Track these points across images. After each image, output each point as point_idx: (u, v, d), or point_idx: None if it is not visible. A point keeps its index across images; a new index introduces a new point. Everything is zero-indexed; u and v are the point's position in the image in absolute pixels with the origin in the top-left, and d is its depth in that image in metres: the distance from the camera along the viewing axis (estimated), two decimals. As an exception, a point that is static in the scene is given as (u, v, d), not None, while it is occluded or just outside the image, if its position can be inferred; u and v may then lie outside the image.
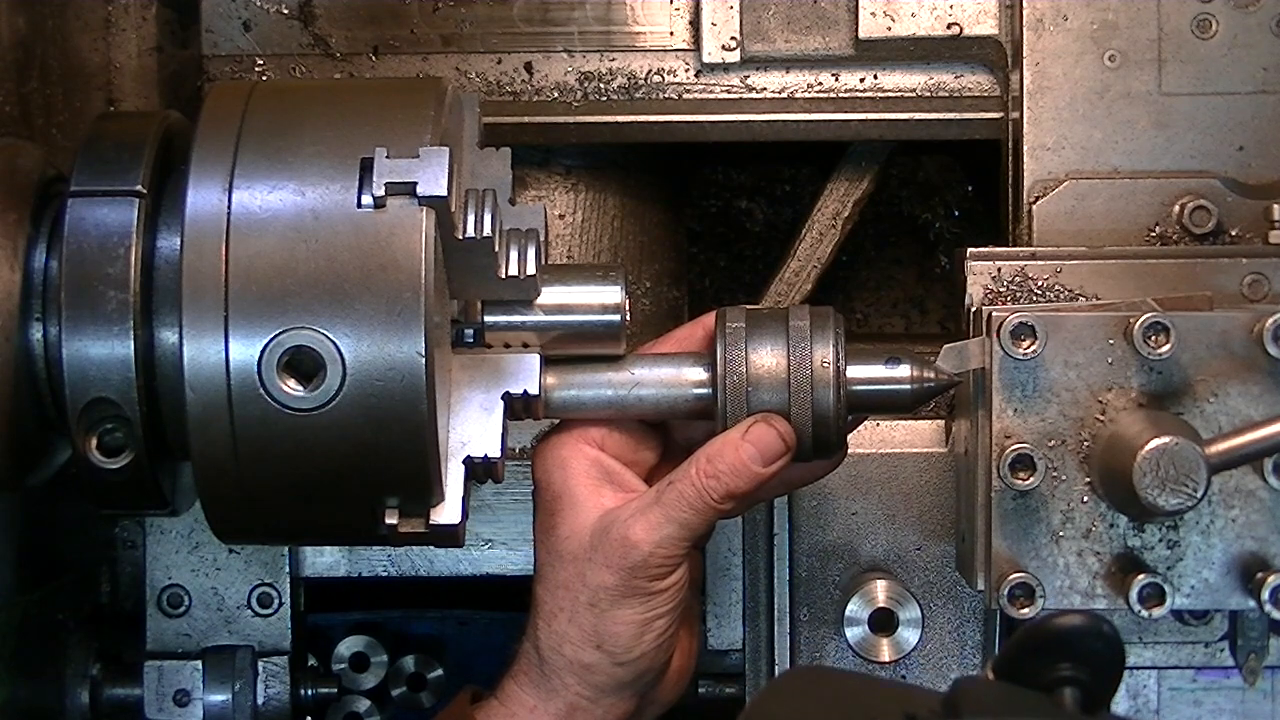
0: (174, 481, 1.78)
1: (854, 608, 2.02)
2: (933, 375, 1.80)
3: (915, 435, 2.05)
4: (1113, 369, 1.77)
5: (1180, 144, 1.99)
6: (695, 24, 2.10)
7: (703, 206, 2.55)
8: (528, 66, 2.12)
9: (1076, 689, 1.40)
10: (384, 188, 1.61)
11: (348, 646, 2.32)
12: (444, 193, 1.60)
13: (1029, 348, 1.77)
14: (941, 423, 2.05)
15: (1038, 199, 1.99)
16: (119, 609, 2.23)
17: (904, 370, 1.80)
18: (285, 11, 2.12)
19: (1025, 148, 2.00)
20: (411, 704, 2.37)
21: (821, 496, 2.04)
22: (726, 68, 2.11)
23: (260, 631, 2.18)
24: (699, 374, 1.81)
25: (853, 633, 2.02)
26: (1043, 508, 1.78)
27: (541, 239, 1.75)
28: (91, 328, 1.66)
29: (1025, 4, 2.00)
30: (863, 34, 2.07)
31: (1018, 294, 1.90)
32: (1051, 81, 2.00)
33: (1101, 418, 1.78)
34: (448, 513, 1.70)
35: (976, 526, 1.82)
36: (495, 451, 1.73)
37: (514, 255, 1.72)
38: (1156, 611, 1.73)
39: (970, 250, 1.92)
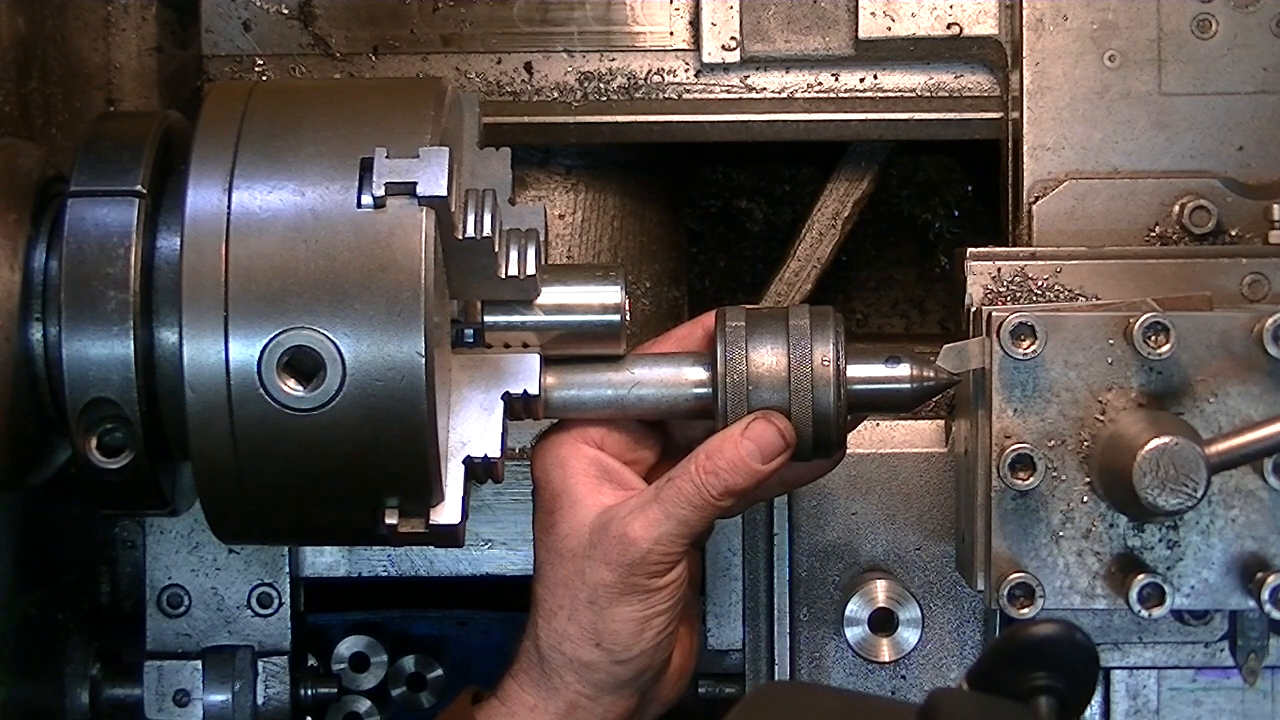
0: (174, 481, 1.78)
1: (854, 608, 2.02)
2: (932, 374, 1.80)
3: (915, 435, 2.05)
4: (1113, 369, 1.77)
5: (1180, 144, 1.99)
6: (695, 24, 2.10)
7: (703, 206, 2.55)
8: (528, 66, 2.12)
9: (1052, 698, 1.40)
10: (384, 188, 1.61)
11: (348, 646, 2.32)
12: (444, 193, 1.60)
13: (1029, 348, 1.77)
14: (941, 423, 2.05)
15: (1038, 199, 1.99)
16: (119, 609, 2.24)
17: (904, 369, 1.80)
18: (285, 11, 2.12)
19: (1025, 148, 2.00)
20: (411, 704, 2.37)
21: (821, 496, 2.04)
22: (726, 68, 2.11)
23: (260, 631, 2.18)
24: (699, 373, 1.81)
25: (853, 633, 2.02)
26: (1043, 508, 1.78)
27: (541, 239, 1.75)
28: (91, 328, 1.66)
29: (1025, 4, 2.00)
30: (863, 34, 2.07)
31: (1018, 294, 1.90)
32: (1051, 81, 2.00)
33: (1101, 418, 1.78)
34: (448, 513, 1.71)
35: (976, 526, 1.82)
36: (495, 451, 1.73)
37: (514, 255, 1.72)
38: (1156, 611, 1.73)
39: (970, 250, 1.92)
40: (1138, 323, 1.74)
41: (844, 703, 1.53)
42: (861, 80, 2.11)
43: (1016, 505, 1.79)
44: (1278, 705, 2.06)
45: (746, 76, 2.11)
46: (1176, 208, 1.97)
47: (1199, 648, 2.03)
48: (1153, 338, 1.74)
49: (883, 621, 2.02)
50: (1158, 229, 1.98)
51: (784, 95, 2.12)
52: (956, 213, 2.54)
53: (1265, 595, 1.74)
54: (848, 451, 1.86)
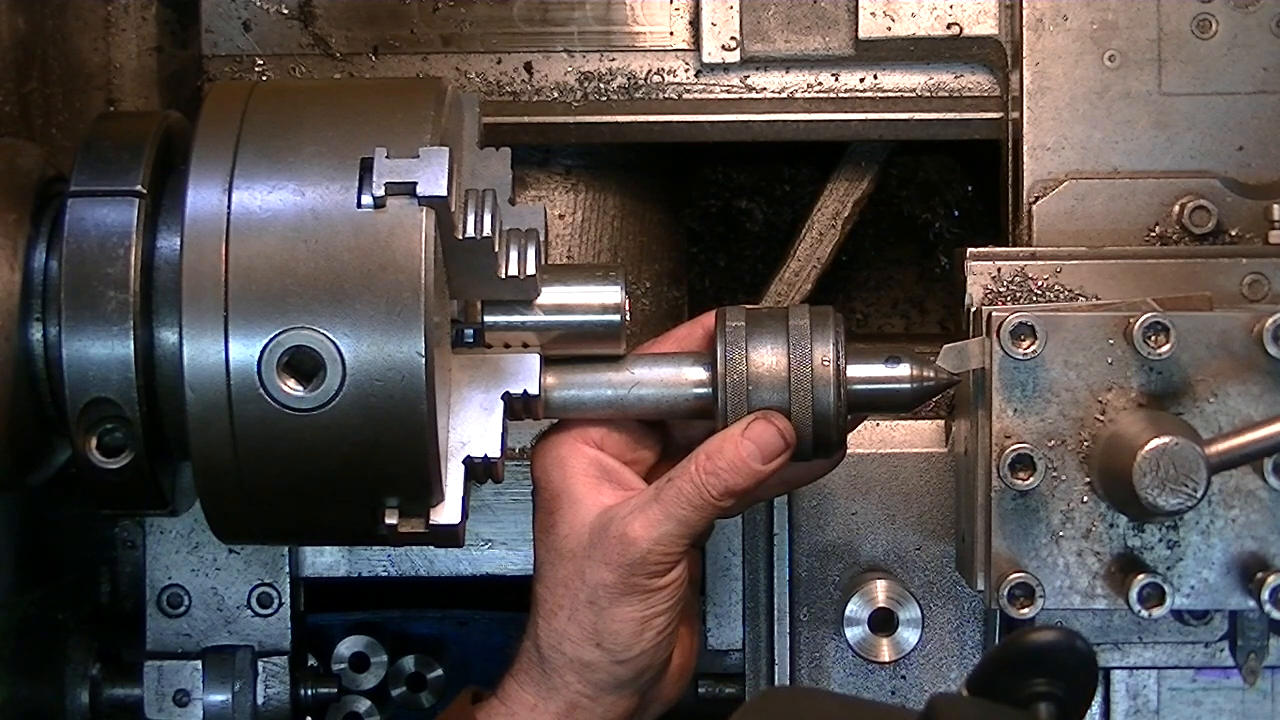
0: (174, 481, 1.78)
1: (854, 608, 2.02)
2: (932, 375, 1.80)
3: (915, 435, 2.05)
4: (1113, 369, 1.77)
5: (1180, 144, 1.99)
6: (695, 24, 2.10)
7: (703, 206, 2.55)
8: (528, 66, 2.12)
9: (1052, 704, 1.40)
10: (384, 188, 1.61)
11: (348, 646, 2.32)
12: (444, 193, 1.60)
13: (1029, 348, 1.77)
14: (941, 423, 2.05)
15: (1038, 199, 1.99)
16: (119, 609, 2.24)
17: (904, 370, 1.80)
18: (285, 11, 2.12)
19: (1025, 148, 2.00)
20: (411, 704, 2.37)
21: (821, 496, 2.04)
22: (726, 68, 2.11)
23: (260, 631, 2.18)
24: (699, 373, 1.81)
25: (852, 633, 2.02)
26: (1043, 508, 1.78)
27: (541, 239, 1.75)
28: (91, 328, 1.66)
29: (1025, 4, 2.00)
30: (863, 34, 2.07)
31: (1018, 294, 1.90)
32: (1051, 81, 2.00)
33: (1101, 418, 1.78)
34: (448, 513, 1.71)
35: (976, 526, 1.82)
36: (495, 451, 1.73)
37: (514, 255, 1.72)
38: (1156, 611, 1.73)
39: (970, 250, 1.92)
40: (1138, 323, 1.74)
41: (845, 707, 1.53)
42: (861, 80, 2.11)
43: (1016, 505, 1.79)
44: (1278, 705, 2.06)
45: (746, 76, 2.11)
46: (1176, 208, 1.97)
47: (1199, 648, 2.03)
48: (1153, 338, 1.74)
49: (883, 621, 2.02)
50: (1158, 229, 1.98)
51: (784, 95, 2.11)
52: (956, 213, 2.54)
53: (1265, 595, 1.74)
54: (848, 451, 1.86)
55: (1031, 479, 1.76)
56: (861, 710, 1.55)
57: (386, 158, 1.61)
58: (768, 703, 1.54)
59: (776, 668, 2.07)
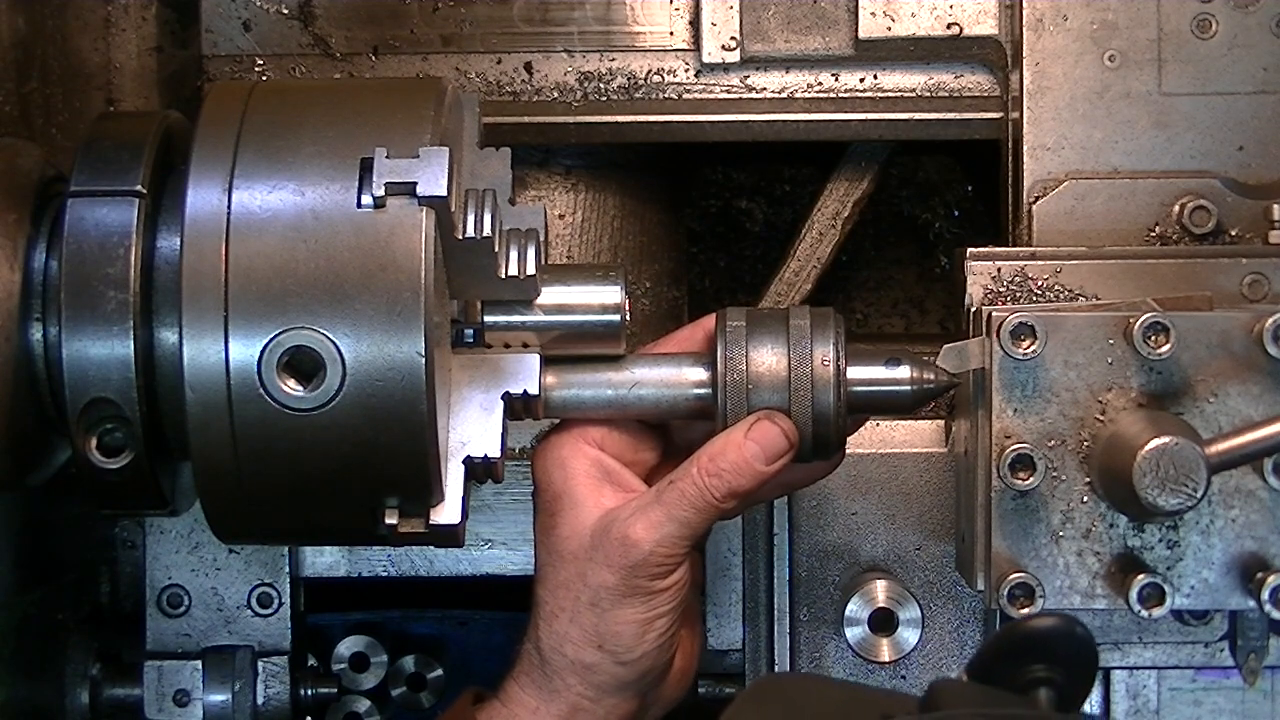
0: (174, 481, 1.78)
1: (854, 608, 2.02)
2: (932, 376, 1.80)
3: (915, 435, 2.05)
4: (1113, 369, 1.77)
5: (1180, 144, 1.99)
6: (695, 24, 2.10)
7: (703, 206, 2.55)
8: (528, 66, 2.12)
9: (1051, 689, 1.40)
10: (384, 188, 1.61)
11: (348, 646, 2.32)
12: (444, 193, 1.60)
13: (1029, 348, 1.77)
14: (941, 423, 2.05)
15: (1038, 199, 1.99)
16: (119, 609, 2.23)
17: (904, 371, 1.80)
18: (285, 11, 2.12)
19: (1025, 148, 2.00)
20: (411, 704, 2.37)
21: (821, 496, 2.04)
22: (726, 68, 2.11)
23: (260, 631, 2.18)
24: (699, 374, 1.81)
25: (852, 633, 2.02)
26: (1043, 508, 1.78)
27: (541, 239, 1.75)
28: (91, 328, 1.66)
29: (1025, 4, 2.00)
30: (863, 34, 2.07)
31: (1018, 294, 1.90)
32: (1051, 81, 2.00)
33: (1101, 418, 1.78)
34: (447, 513, 1.71)
35: (976, 526, 1.82)
36: (495, 451, 1.73)
37: (514, 255, 1.72)
38: (1156, 611, 1.73)
39: (970, 250, 1.92)
40: (1138, 323, 1.74)
41: (845, 693, 1.53)
42: (861, 80, 2.11)
43: (1016, 505, 1.79)
44: (1278, 705, 2.06)
45: (746, 76, 2.11)
46: (1176, 208, 1.97)
47: (1199, 648, 2.03)
48: (1153, 338, 1.74)
49: (883, 621, 2.02)
50: (1158, 229, 1.98)
51: (784, 95, 2.11)
52: (956, 213, 2.54)
53: (1265, 595, 1.74)
54: (848, 452, 1.85)
55: (1031, 479, 1.76)
56: (860, 694, 1.55)
57: (386, 158, 1.61)
58: (768, 688, 1.53)
59: (776, 668, 2.07)
